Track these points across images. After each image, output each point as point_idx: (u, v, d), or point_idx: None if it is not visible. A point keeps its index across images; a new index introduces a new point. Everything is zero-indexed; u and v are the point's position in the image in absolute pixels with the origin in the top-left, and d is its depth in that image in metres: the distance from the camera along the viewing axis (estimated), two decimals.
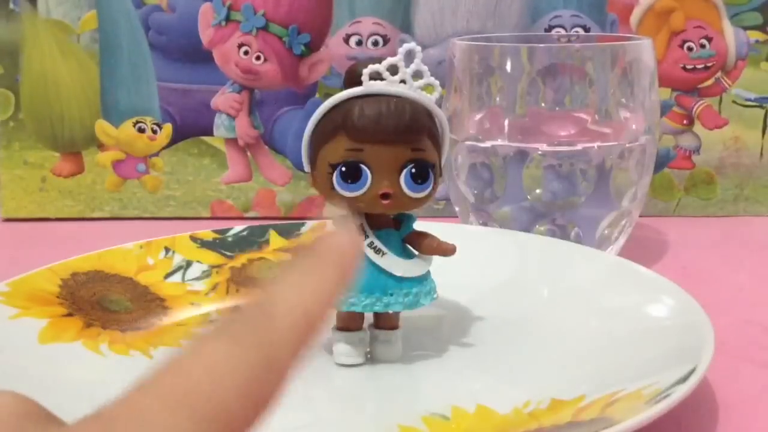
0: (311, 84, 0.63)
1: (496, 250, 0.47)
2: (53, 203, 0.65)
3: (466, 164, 0.52)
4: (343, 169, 0.36)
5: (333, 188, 0.36)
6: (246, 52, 0.62)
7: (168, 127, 0.64)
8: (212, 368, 0.17)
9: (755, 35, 0.62)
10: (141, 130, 0.64)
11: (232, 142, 0.64)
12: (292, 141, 0.63)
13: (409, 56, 0.36)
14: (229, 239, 0.49)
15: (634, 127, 0.50)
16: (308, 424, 0.34)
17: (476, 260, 0.45)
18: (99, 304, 0.43)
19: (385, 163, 0.36)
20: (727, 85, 0.62)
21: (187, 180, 0.65)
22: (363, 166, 0.36)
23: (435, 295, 0.39)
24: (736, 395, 0.37)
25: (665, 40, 0.61)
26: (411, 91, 0.36)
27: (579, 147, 0.49)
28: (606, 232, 0.51)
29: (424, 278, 0.38)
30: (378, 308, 0.37)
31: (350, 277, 0.19)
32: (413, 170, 0.36)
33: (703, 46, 0.61)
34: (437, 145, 0.37)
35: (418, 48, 0.36)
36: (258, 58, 0.62)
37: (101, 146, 0.64)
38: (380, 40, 0.62)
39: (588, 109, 0.50)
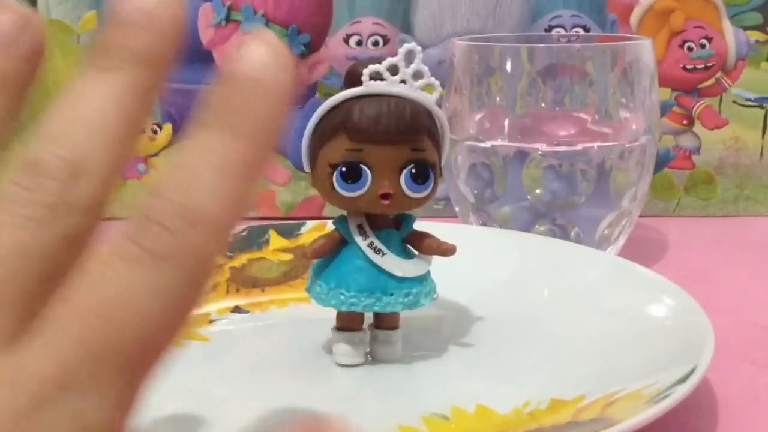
0: (311, 84, 0.63)
1: (496, 250, 0.47)
2: None
3: (466, 164, 0.52)
4: (343, 169, 0.36)
5: (333, 188, 0.36)
6: None
7: (168, 128, 0.64)
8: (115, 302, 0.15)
9: (755, 35, 0.62)
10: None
11: None
12: (292, 141, 0.63)
13: (409, 56, 0.36)
14: (229, 239, 0.49)
15: (634, 127, 0.50)
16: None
17: (476, 260, 0.44)
18: None
19: (385, 163, 0.36)
20: (727, 85, 0.62)
21: None
22: (363, 166, 0.36)
23: (435, 295, 0.39)
24: (736, 395, 0.37)
25: (665, 40, 0.61)
26: (411, 91, 0.36)
27: (579, 147, 0.49)
28: (606, 232, 0.51)
29: (424, 278, 0.38)
30: (378, 308, 0.37)
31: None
32: (413, 170, 0.36)
33: (703, 46, 0.61)
34: (437, 145, 0.37)
35: (418, 48, 0.36)
36: None
37: None
38: (380, 40, 0.62)
39: (588, 109, 0.50)
